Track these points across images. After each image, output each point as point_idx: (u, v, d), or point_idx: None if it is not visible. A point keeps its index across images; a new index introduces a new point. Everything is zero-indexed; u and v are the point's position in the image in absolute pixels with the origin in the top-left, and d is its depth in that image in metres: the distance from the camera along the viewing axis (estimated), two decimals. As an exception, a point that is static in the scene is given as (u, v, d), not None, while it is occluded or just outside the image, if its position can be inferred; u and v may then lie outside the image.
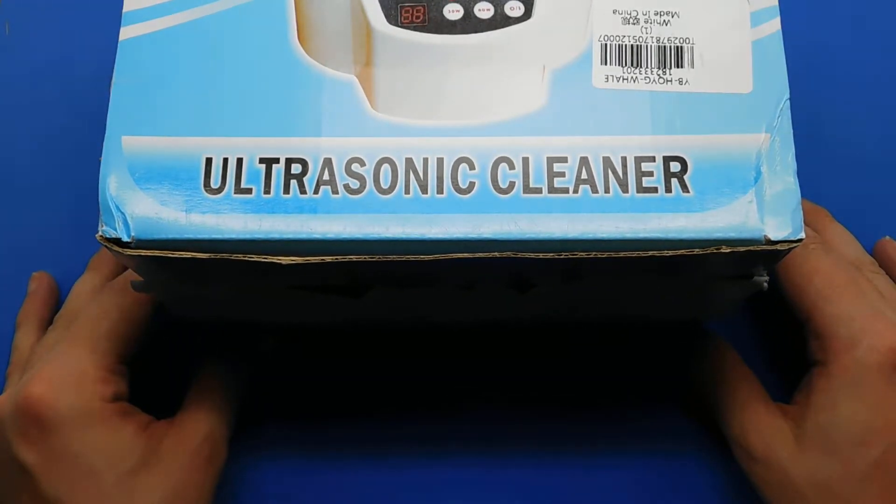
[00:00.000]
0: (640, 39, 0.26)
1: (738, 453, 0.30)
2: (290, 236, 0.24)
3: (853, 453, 0.28)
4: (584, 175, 0.24)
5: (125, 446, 0.28)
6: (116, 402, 0.29)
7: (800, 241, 0.24)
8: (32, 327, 0.33)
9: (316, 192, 0.24)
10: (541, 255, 0.24)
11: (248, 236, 0.24)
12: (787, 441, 0.29)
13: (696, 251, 0.24)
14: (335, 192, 0.24)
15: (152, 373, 0.32)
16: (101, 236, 0.24)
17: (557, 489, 0.33)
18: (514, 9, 0.26)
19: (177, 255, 0.24)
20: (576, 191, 0.24)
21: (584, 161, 0.24)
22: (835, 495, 0.28)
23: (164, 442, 0.29)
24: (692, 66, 0.25)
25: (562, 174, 0.24)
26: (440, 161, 0.25)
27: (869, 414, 0.28)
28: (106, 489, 0.28)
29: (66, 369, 0.28)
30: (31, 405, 0.28)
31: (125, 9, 0.26)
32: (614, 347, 0.35)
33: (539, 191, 0.24)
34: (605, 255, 0.24)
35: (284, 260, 0.24)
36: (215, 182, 0.24)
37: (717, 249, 0.24)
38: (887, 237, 0.35)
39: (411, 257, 0.24)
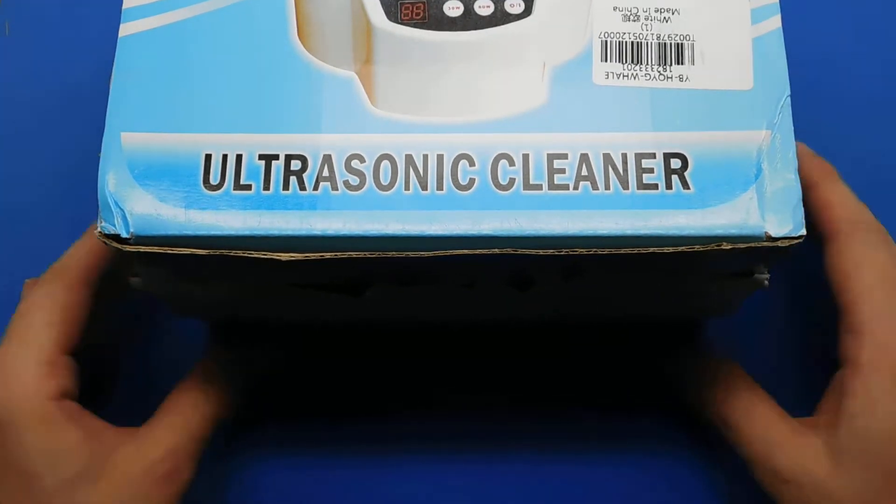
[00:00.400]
0: (641, 36, 0.26)
1: (763, 475, 0.28)
2: (290, 233, 0.24)
3: None
4: (584, 172, 0.24)
5: (69, 450, 0.26)
6: (62, 400, 0.27)
7: (801, 237, 0.24)
8: None
9: (315, 188, 0.24)
10: (541, 252, 0.24)
11: (247, 233, 0.24)
12: (821, 457, 0.26)
13: (697, 248, 0.24)
14: (335, 188, 0.24)
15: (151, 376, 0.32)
16: (99, 232, 0.24)
17: (557, 489, 0.33)
18: (514, 5, 0.26)
19: (176, 251, 0.24)
20: (576, 187, 0.24)
21: (584, 158, 0.24)
22: None
23: (118, 452, 0.27)
24: (693, 62, 0.25)
25: (562, 171, 0.24)
26: (440, 158, 0.24)
27: None
28: (45, 495, 0.26)
29: (4, 366, 0.27)
30: None
31: (124, 5, 0.26)
32: (614, 347, 0.35)
33: (539, 187, 0.24)
34: (606, 251, 0.24)
35: (284, 256, 0.24)
36: (215, 178, 0.24)
37: (717, 246, 0.24)
38: None
39: (411, 254, 0.24)
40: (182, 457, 0.28)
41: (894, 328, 0.26)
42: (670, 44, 0.26)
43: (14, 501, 0.26)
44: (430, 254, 0.24)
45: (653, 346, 0.34)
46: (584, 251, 0.24)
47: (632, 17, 0.26)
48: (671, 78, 0.25)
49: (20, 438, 0.26)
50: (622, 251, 0.24)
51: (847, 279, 0.27)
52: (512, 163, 0.24)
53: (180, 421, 0.28)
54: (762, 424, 0.28)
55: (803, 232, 0.24)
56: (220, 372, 0.30)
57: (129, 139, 0.25)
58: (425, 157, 0.24)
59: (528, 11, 0.26)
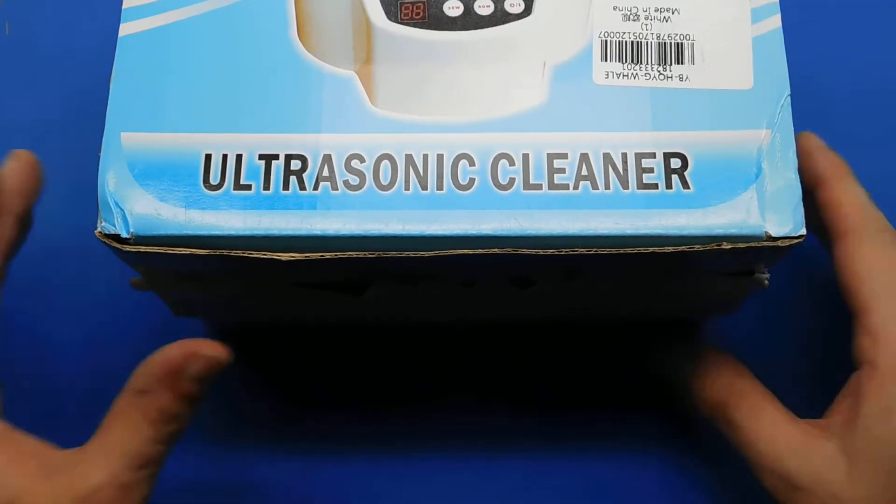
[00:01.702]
0: (641, 36, 0.26)
1: (772, 481, 0.26)
2: (290, 233, 0.24)
3: None
4: (584, 171, 0.24)
5: None
6: None
7: (801, 237, 0.24)
8: None
9: (315, 188, 0.24)
10: (541, 252, 0.24)
11: (247, 233, 0.24)
12: (836, 463, 0.25)
13: (697, 248, 0.24)
14: (335, 188, 0.24)
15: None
16: (99, 232, 0.24)
17: (557, 488, 0.33)
18: (514, 5, 0.26)
19: (176, 251, 0.24)
20: (576, 187, 0.24)
21: (584, 157, 0.24)
22: None
23: (53, 480, 0.23)
24: (692, 62, 0.25)
25: (562, 170, 0.24)
26: (440, 157, 0.24)
27: None
28: None
29: None
30: None
31: (124, 5, 0.26)
32: (614, 347, 0.35)
33: (539, 187, 0.24)
34: (606, 251, 0.24)
35: (284, 256, 0.24)
36: (215, 178, 0.24)
37: (717, 246, 0.24)
38: None
39: (411, 254, 0.24)
40: (120, 486, 0.23)
41: None
42: (670, 43, 0.26)
43: None
44: (430, 254, 0.24)
45: (653, 345, 0.34)
46: (584, 251, 0.24)
47: (632, 17, 0.26)
48: (671, 77, 0.25)
49: None
50: (622, 251, 0.24)
51: (860, 281, 0.26)
52: (512, 162, 0.24)
53: (117, 444, 0.24)
54: (770, 427, 0.27)
55: (803, 232, 0.24)
56: (157, 385, 0.25)
57: (129, 139, 0.25)
58: (425, 156, 0.24)
59: (528, 11, 0.26)
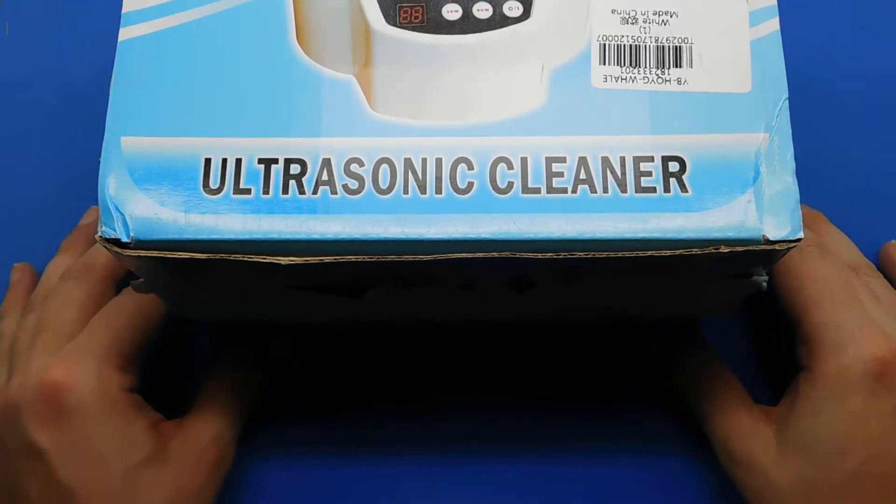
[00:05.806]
0: (639, 39, 0.26)
1: (722, 457, 0.31)
2: (289, 236, 0.24)
3: (832, 462, 0.28)
4: (582, 175, 0.24)
5: (137, 439, 0.29)
6: (132, 393, 0.30)
7: (799, 240, 0.24)
8: (16, 316, 0.33)
9: (315, 192, 0.24)
10: (539, 255, 0.24)
11: (247, 237, 0.24)
12: (770, 446, 0.29)
13: (695, 251, 0.24)
14: (334, 192, 0.24)
15: (165, 371, 0.32)
16: (100, 237, 0.24)
17: (557, 488, 0.33)
18: (512, 9, 0.26)
19: (176, 255, 0.24)
20: (574, 191, 0.24)
21: (582, 161, 0.24)
22: (815, 503, 0.28)
23: (173, 442, 0.30)
24: (691, 65, 0.25)
25: (560, 174, 0.24)
26: (439, 161, 0.25)
27: (849, 424, 0.28)
28: (113, 479, 0.28)
29: (88, 355, 0.29)
30: (52, 388, 0.28)
31: (124, 9, 0.26)
32: (614, 347, 0.35)
33: (538, 191, 0.24)
34: (604, 254, 0.24)
35: (283, 260, 0.24)
36: (214, 182, 0.24)
37: (715, 249, 0.24)
38: (892, 241, 0.35)
39: (410, 257, 0.24)
40: (225, 443, 0.31)
41: (837, 339, 0.28)
42: (668, 47, 0.26)
43: (85, 485, 0.28)
44: (429, 257, 0.24)
45: (652, 346, 0.34)
46: (582, 254, 0.24)
47: (630, 20, 0.26)
48: (669, 81, 0.25)
49: (98, 425, 0.28)
50: (620, 254, 0.24)
51: (794, 294, 0.30)
52: (510, 166, 0.24)
53: (220, 410, 0.31)
54: (725, 409, 0.31)
55: (801, 235, 0.24)
56: (245, 361, 0.33)
57: (129, 143, 0.25)
58: (424, 160, 0.25)
59: (526, 15, 0.26)
